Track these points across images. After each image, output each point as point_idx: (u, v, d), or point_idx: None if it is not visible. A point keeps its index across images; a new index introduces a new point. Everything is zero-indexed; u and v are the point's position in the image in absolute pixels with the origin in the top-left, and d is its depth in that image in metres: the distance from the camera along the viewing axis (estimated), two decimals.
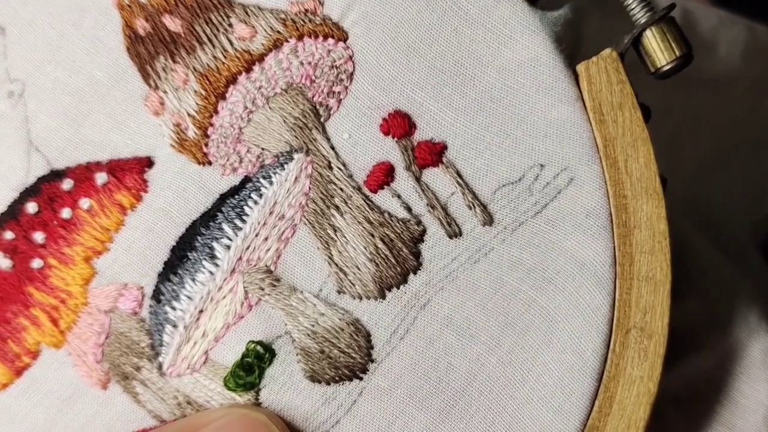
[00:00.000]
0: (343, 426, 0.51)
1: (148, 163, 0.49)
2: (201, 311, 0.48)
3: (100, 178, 0.49)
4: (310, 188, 0.47)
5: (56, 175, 0.50)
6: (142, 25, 0.50)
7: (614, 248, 0.48)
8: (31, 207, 0.50)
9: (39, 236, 0.50)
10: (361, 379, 0.49)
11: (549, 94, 0.47)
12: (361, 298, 0.49)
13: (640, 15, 0.49)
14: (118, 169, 0.49)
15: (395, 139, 0.49)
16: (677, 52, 0.49)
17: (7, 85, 0.51)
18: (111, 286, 0.49)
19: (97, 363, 0.49)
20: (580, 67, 0.46)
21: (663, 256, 0.47)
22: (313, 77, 0.48)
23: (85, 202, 0.49)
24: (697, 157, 0.62)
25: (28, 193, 0.50)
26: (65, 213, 0.50)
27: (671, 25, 0.49)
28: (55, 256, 0.50)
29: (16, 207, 0.50)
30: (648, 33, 0.50)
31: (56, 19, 0.50)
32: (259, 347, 0.47)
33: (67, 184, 0.50)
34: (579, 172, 0.46)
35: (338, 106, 0.48)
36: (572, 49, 0.49)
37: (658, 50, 0.49)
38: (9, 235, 0.51)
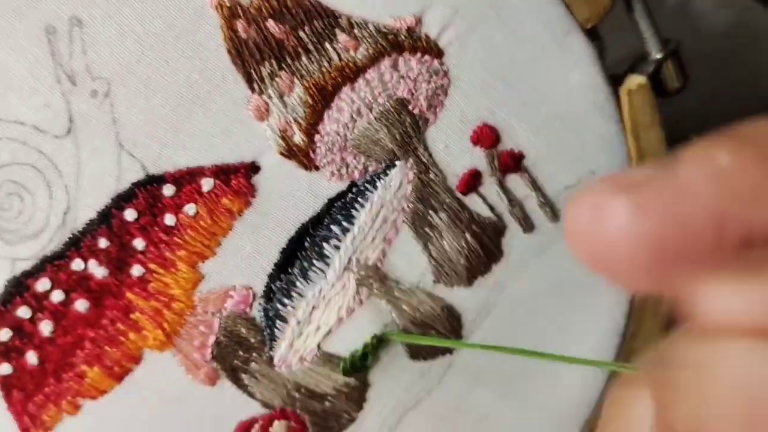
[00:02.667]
0: (434, 394, 0.45)
1: (254, 168, 0.34)
2: (314, 307, 0.34)
3: (206, 183, 0.34)
4: (411, 192, 0.35)
5: (154, 180, 0.33)
6: (244, 29, 0.34)
7: None
8: (129, 214, 0.34)
9: (138, 243, 0.34)
10: (451, 354, 0.44)
11: (602, 115, 0.44)
12: (453, 286, 0.43)
13: (655, 51, 0.45)
14: (222, 173, 0.34)
15: (483, 148, 0.44)
16: (683, 80, 0.46)
17: (89, 83, 0.33)
18: (219, 289, 0.34)
19: (205, 362, 0.34)
20: (623, 93, 0.39)
21: None
22: (413, 90, 0.35)
23: (190, 208, 0.34)
24: None
25: (122, 199, 0.33)
26: (168, 219, 0.34)
27: (678, 57, 0.45)
28: (156, 261, 0.35)
29: (109, 213, 0.33)
30: (665, 64, 0.45)
31: (143, 14, 0.33)
32: (376, 340, 0.36)
33: (168, 190, 0.34)
34: None
35: (435, 119, 0.37)
36: None
37: (672, 78, 0.46)
38: (103, 242, 0.33)
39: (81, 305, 0.39)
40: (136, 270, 0.39)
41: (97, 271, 0.39)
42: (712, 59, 0.59)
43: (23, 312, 0.38)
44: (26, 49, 0.37)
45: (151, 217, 0.39)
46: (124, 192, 0.39)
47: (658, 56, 0.47)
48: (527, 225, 0.45)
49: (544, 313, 0.46)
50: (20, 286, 0.38)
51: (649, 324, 0.48)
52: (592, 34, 0.45)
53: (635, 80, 0.46)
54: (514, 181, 0.45)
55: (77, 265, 0.39)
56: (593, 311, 0.46)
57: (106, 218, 0.39)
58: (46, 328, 0.39)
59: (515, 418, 0.46)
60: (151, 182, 0.39)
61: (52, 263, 0.38)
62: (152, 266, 0.40)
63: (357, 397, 0.44)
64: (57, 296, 0.39)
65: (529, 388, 0.46)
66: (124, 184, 0.39)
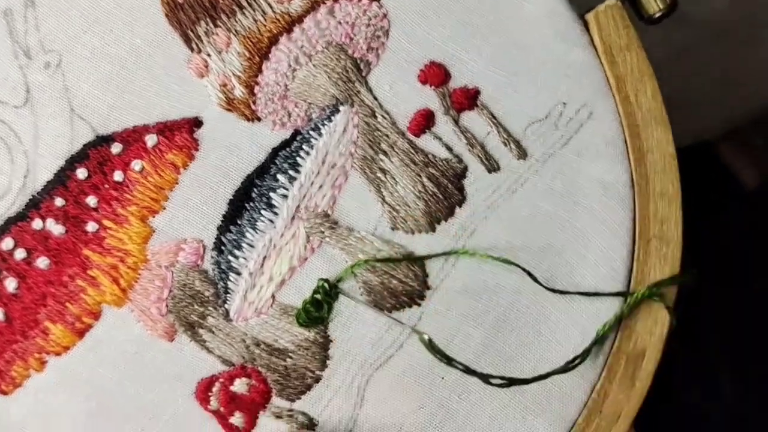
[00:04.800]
0: (406, 349, 0.41)
1: (197, 122, 0.32)
2: (264, 258, 0.33)
3: (150, 139, 0.32)
4: (357, 137, 0.32)
5: (103, 140, 0.33)
6: None
7: (631, 171, 0.41)
8: (81, 173, 0.33)
9: (91, 200, 0.33)
10: (419, 305, 0.42)
11: (566, 40, 0.42)
12: (413, 233, 0.42)
13: None
14: (167, 130, 0.32)
15: (433, 87, 0.42)
16: (668, 1, 0.40)
17: (42, 56, 0.33)
18: (170, 242, 0.31)
19: (161, 316, 0.32)
20: (590, 16, 0.37)
21: (673, 174, 0.41)
22: (352, 35, 0.33)
23: (137, 164, 0.32)
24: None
25: (75, 160, 0.33)
26: (117, 176, 0.32)
27: None
28: (109, 217, 0.32)
29: (63, 174, 0.33)
30: None
31: None
32: (326, 284, 0.39)
33: (116, 148, 0.32)
34: (597, 107, 0.42)
35: (377, 61, 0.41)
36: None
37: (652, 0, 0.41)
38: (59, 201, 0.33)
39: (42, 262, 0.40)
40: (91, 226, 0.41)
41: (55, 228, 0.41)
42: None
43: None
44: None
45: (101, 175, 0.41)
46: (77, 153, 0.41)
47: None
48: (490, 164, 0.41)
49: (522, 258, 0.41)
50: None
51: (657, 266, 0.42)
52: None
53: (605, 2, 0.42)
54: (472, 119, 0.42)
55: (37, 224, 0.41)
56: (584, 255, 0.41)
57: (61, 178, 0.41)
58: (11, 284, 0.40)
59: (503, 366, 0.41)
60: (101, 142, 0.41)
61: (16, 224, 0.41)
62: (106, 222, 0.41)
63: (319, 353, 0.41)
64: (20, 254, 0.40)
65: (515, 338, 0.41)
66: (77, 146, 0.41)
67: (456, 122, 0.41)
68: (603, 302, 0.40)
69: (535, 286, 0.40)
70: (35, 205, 0.40)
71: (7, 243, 0.40)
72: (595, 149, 0.41)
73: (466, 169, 0.41)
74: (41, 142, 0.40)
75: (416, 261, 0.40)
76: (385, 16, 0.41)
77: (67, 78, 0.40)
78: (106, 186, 0.40)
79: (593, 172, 0.41)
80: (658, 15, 0.42)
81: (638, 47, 0.41)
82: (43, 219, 0.40)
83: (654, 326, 0.41)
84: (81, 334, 0.40)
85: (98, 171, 0.40)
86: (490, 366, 0.40)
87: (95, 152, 0.40)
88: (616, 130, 0.41)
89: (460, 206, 0.40)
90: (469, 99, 0.41)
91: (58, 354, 0.40)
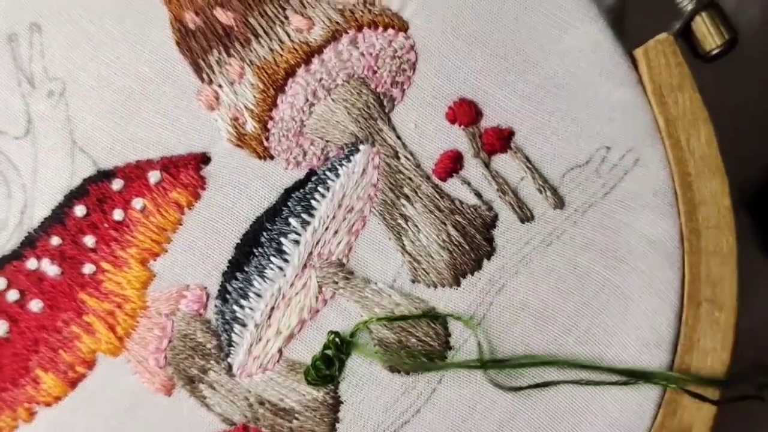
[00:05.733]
0: (424, 415, 0.37)
1: (204, 159, 0.29)
2: (272, 308, 0.31)
3: (153, 176, 0.29)
4: (378, 179, 0.30)
5: (104, 176, 0.29)
6: (192, 19, 0.29)
7: (681, 225, 0.36)
8: (79, 210, 0.29)
9: (89, 240, 0.30)
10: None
11: (611, 78, 0.37)
12: (436, 287, 0.37)
13: (687, 2, 0.36)
14: (171, 166, 0.29)
15: (462, 126, 0.38)
16: (726, 36, 0.36)
17: (46, 84, 0.30)
18: (172, 288, 0.27)
19: (159, 368, 0.28)
20: (638, 52, 0.37)
21: (729, 230, 0.36)
22: (375, 68, 0.29)
23: (138, 202, 0.28)
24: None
25: (74, 196, 0.30)
26: (117, 214, 0.29)
27: (718, 10, 0.36)
28: (107, 260, 0.29)
29: (61, 211, 0.30)
30: (698, 18, 0.36)
31: (96, 14, 0.30)
32: (337, 338, 0.36)
33: (116, 184, 0.29)
34: (644, 152, 0.37)
35: (402, 96, 0.36)
36: (621, 36, 0.37)
37: (708, 35, 0.37)
38: (56, 240, 0.30)
39: (35, 305, 0.37)
40: (88, 268, 0.37)
41: (51, 269, 0.37)
42: None
43: None
44: None
45: (101, 214, 0.37)
46: (76, 188, 0.38)
47: (689, 7, 0.38)
48: (524, 213, 0.37)
49: (556, 319, 0.37)
50: None
51: (708, 333, 0.37)
52: None
53: (656, 37, 0.38)
54: (505, 163, 0.38)
55: (32, 264, 0.37)
56: (624, 317, 0.37)
57: (59, 216, 0.38)
58: (1, 328, 0.37)
59: None
60: (102, 178, 0.38)
61: (10, 262, 0.38)
62: (104, 265, 0.37)
63: (328, 415, 0.37)
64: (12, 296, 0.37)
65: (544, 408, 0.37)
66: (76, 181, 0.38)
67: (487, 166, 0.37)
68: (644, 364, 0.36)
69: (569, 352, 0.36)
70: (31, 244, 0.37)
71: (1, 283, 0.37)
72: (641, 200, 0.36)
73: (496, 217, 0.36)
74: (40, 176, 0.37)
75: (437, 319, 0.36)
76: (412, 48, 0.37)
77: (71, 108, 0.37)
78: (106, 225, 0.37)
79: (638, 226, 0.36)
80: (716, 52, 0.38)
81: (692, 87, 0.37)
82: (39, 259, 0.37)
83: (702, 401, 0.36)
84: (73, 384, 0.37)
85: (97, 209, 0.37)
86: None
87: (95, 188, 0.37)
88: (665, 179, 0.36)
89: (488, 259, 0.36)
90: (501, 140, 0.37)
91: (48, 404, 0.37)
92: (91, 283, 0.36)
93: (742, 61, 0.42)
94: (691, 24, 0.37)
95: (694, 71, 0.38)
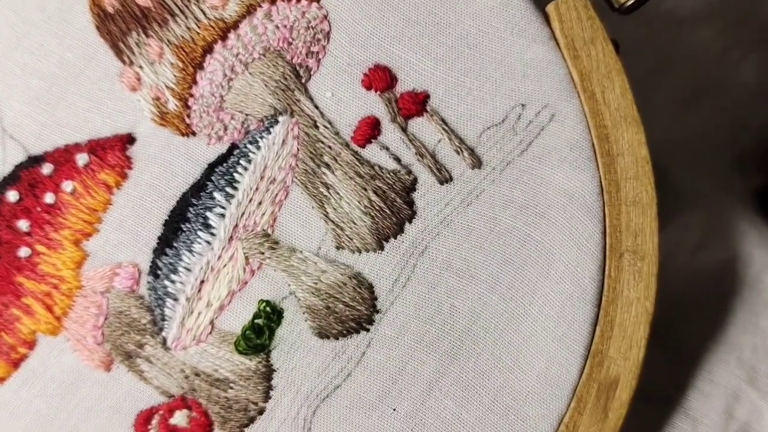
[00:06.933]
0: (354, 378, 0.37)
1: (130, 139, 0.30)
2: (202, 282, 0.32)
3: (81, 159, 0.29)
4: (298, 149, 0.31)
5: (35, 161, 0.30)
6: (110, 3, 0.29)
7: (600, 177, 0.37)
8: (12, 195, 0.30)
9: (23, 224, 0.30)
10: (368, 330, 0.37)
11: (523, 35, 0.37)
12: (360, 252, 0.38)
13: None
14: (98, 148, 0.29)
15: (378, 92, 0.38)
16: None
17: None
18: (105, 267, 0.28)
19: (97, 345, 0.29)
20: (550, 7, 0.33)
21: (647, 179, 0.36)
22: (290, 39, 0.29)
23: (67, 185, 0.29)
24: (671, 97, 0.44)
25: (6, 182, 0.30)
26: (48, 198, 0.29)
27: None
28: (42, 242, 0.29)
29: None
30: None
31: (19, 4, 0.28)
32: (268, 307, 0.36)
33: (47, 169, 0.29)
34: (559, 107, 0.37)
35: (318, 66, 0.35)
36: None
37: None
38: None
39: None
40: (24, 252, 0.38)
41: None
42: None
43: None
44: None
45: (33, 198, 0.38)
46: (9, 174, 0.39)
47: None
48: (442, 175, 0.38)
49: (479, 277, 0.37)
50: None
51: (631, 283, 0.37)
52: None
53: None
54: (422, 126, 0.38)
55: None
56: (547, 272, 0.37)
57: None
58: None
59: (460, 397, 0.37)
60: (32, 163, 0.39)
61: None
62: (39, 247, 0.38)
63: (262, 383, 0.38)
64: None
65: (473, 366, 0.37)
66: (8, 167, 0.39)
67: (404, 130, 0.37)
68: (569, 326, 0.36)
69: (494, 309, 0.36)
70: None
71: None
72: (558, 155, 0.36)
73: (415, 180, 0.37)
74: None
75: (362, 283, 0.37)
76: (325, 17, 0.37)
77: None
78: (38, 209, 0.38)
79: (557, 180, 0.36)
80: (629, 3, 0.37)
81: (604, 40, 0.36)
82: None
83: (629, 350, 0.36)
84: (16, 364, 0.38)
85: (29, 193, 0.38)
86: (446, 396, 0.36)
87: (26, 173, 0.38)
88: (581, 132, 0.36)
89: (410, 222, 0.37)
90: (417, 104, 0.37)
91: None
92: (27, 266, 0.37)
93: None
94: None
95: (615, 24, 0.38)
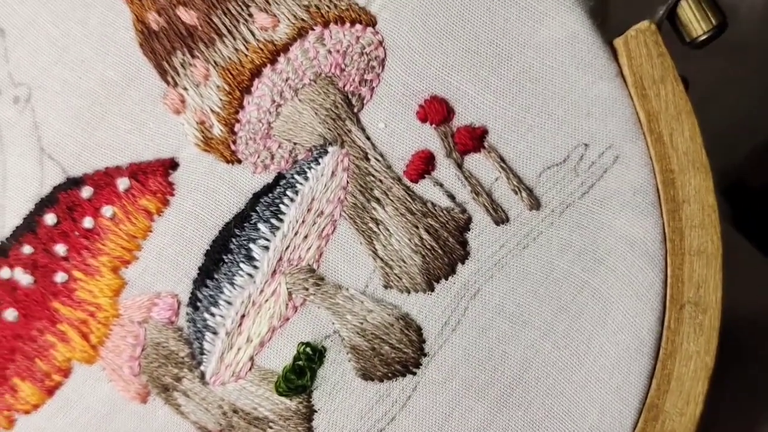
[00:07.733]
0: (399, 422, 0.35)
1: (172, 164, 0.29)
2: (243, 316, 0.33)
3: (122, 183, 0.28)
4: (347, 182, 0.31)
5: (74, 183, 0.29)
6: (155, 20, 0.27)
7: (663, 224, 0.34)
8: (50, 218, 0.28)
9: (60, 248, 0.29)
10: (414, 373, 0.36)
11: (589, 71, 0.34)
12: (409, 292, 0.35)
13: None
14: (140, 172, 0.28)
15: (433, 125, 0.35)
16: (714, 21, 0.34)
17: (11, 90, 0.29)
18: (143, 296, 0.27)
19: (134, 376, 0.28)
20: (618, 42, 0.36)
21: (713, 228, 0.34)
22: (343, 65, 0.28)
23: (107, 210, 0.27)
24: None
25: (44, 204, 0.29)
26: (87, 222, 0.28)
27: None
28: (79, 268, 0.28)
29: (32, 219, 0.29)
30: (684, 3, 0.34)
31: (59, 17, 0.29)
32: (308, 349, 0.35)
33: (86, 192, 0.28)
34: (624, 149, 0.34)
35: (371, 95, 0.35)
36: (603, 24, 0.35)
37: (695, 20, 0.34)
38: (27, 249, 0.29)
39: (10, 314, 0.37)
40: (60, 277, 0.37)
41: (23, 278, 0.37)
42: None
43: None
44: None
45: (71, 222, 0.37)
46: (47, 196, 0.37)
47: None
48: (498, 215, 0.36)
49: (533, 324, 0.36)
50: None
51: (691, 336, 0.35)
52: None
53: (637, 26, 0.36)
54: (478, 163, 0.36)
55: (5, 273, 0.37)
56: (604, 321, 0.35)
57: (30, 224, 0.37)
58: None
59: None
60: (71, 185, 0.37)
61: None
62: (76, 273, 0.37)
63: (302, 424, 0.36)
64: None
65: (522, 415, 0.36)
66: (46, 189, 0.37)
67: (459, 166, 0.35)
68: (625, 377, 0.34)
69: (547, 357, 0.35)
70: (3, 252, 0.37)
71: None
72: (621, 199, 0.34)
73: (470, 220, 0.35)
74: (10, 184, 0.36)
75: (410, 325, 0.35)
76: (380, 43, 0.35)
77: (37, 114, 0.36)
78: (76, 233, 0.36)
79: (618, 226, 0.34)
80: (703, 38, 0.35)
81: (674, 79, 0.34)
82: (11, 268, 0.36)
83: (686, 405, 0.34)
84: (51, 392, 0.37)
85: (68, 217, 0.36)
86: None
87: (65, 196, 0.36)
88: (646, 176, 0.34)
89: (462, 263, 0.35)
90: (474, 139, 0.35)
91: (27, 412, 0.37)
92: (63, 292, 0.36)
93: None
94: (677, 9, 0.35)
95: (684, 59, 0.35)
